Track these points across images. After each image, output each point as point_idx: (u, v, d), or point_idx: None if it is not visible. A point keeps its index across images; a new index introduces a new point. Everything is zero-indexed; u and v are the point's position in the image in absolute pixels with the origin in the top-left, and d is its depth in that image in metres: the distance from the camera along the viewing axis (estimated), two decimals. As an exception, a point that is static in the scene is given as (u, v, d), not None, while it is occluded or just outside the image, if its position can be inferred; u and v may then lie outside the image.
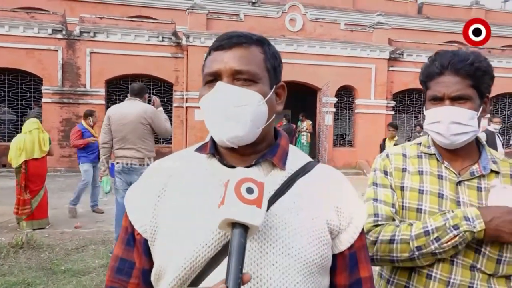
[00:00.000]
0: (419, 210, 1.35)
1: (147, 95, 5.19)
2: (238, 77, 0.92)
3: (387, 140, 9.13)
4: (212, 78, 0.94)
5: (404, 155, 1.45)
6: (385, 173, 1.43)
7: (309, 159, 1.05)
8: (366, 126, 16.50)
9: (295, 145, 13.06)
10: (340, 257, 0.96)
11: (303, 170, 0.99)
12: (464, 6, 24.08)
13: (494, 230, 1.20)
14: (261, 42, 0.98)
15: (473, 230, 1.20)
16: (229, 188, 0.79)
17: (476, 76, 1.30)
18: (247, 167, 0.95)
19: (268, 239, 0.88)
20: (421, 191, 1.37)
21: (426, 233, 1.25)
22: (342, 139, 17.25)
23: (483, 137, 8.77)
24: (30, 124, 6.61)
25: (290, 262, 0.87)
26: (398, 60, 16.83)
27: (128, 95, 5.13)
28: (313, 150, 16.18)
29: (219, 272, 0.79)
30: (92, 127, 7.63)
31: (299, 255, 0.88)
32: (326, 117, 15.48)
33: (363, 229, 0.99)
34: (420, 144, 1.46)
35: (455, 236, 1.21)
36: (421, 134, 13.20)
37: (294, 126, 15.20)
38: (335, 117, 16.86)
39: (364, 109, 16.74)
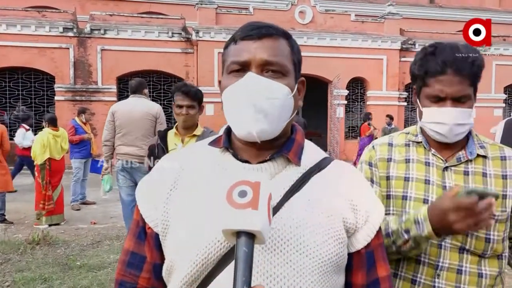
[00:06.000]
0: (404, 198, 1.37)
1: (146, 90, 5.05)
2: (268, 68, 0.90)
3: None
4: (239, 68, 0.91)
5: (390, 144, 1.46)
6: (370, 164, 1.45)
7: (325, 154, 1.02)
8: (378, 118, 16.33)
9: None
10: (356, 256, 0.93)
11: (319, 166, 0.96)
12: (478, -6, 23.60)
13: (445, 228, 1.16)
14: (288, 36, 0.96)
15: (421, 234, 1.20)
16: (222, 197, 0.76)
17: (475, 74, 1.30)
18: (261, 162, 0.93)
19: (282, 237, 0.85)
20: (406, 179, 1.38)
21: (387, 235, 1.28)
22: (354, 131, 17.12)
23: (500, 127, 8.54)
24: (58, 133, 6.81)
25: (305, 260, 0.85)
26: (410, 51, 16.59)
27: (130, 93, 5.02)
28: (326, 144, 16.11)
29: (231, 270, 0.77)
30: (84, 124, 7.95)
31: (314, 254, 0.86)
32: (337, 109, 15.38)
33: (380, 227, 0.96)
34: (408, 133, 1.48)
35: (408, 240, 1.23)
36: (393, 126, 12.78)
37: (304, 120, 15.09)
38: (346, 109, 16.73)
39: (376, 100, 16.57)
